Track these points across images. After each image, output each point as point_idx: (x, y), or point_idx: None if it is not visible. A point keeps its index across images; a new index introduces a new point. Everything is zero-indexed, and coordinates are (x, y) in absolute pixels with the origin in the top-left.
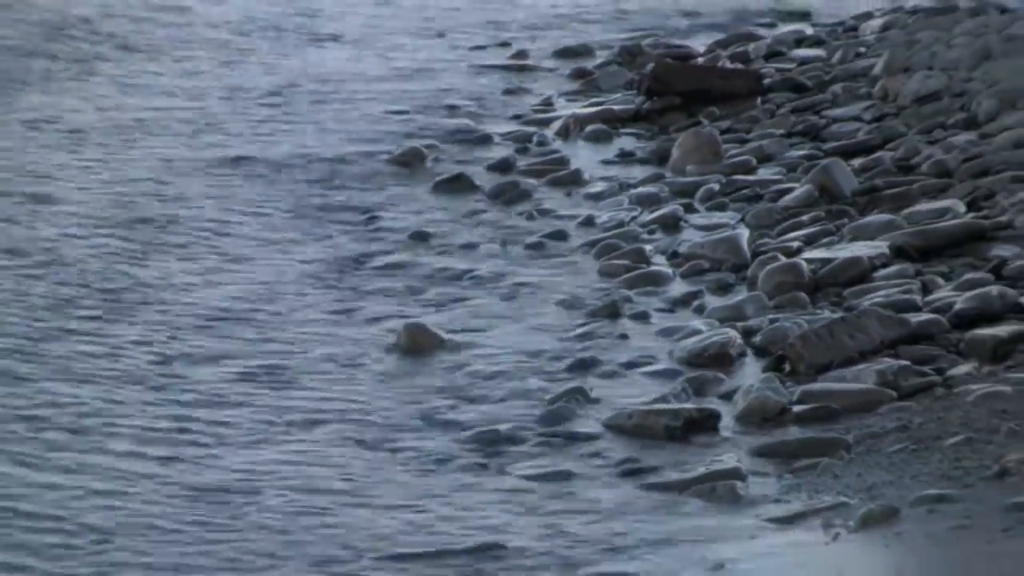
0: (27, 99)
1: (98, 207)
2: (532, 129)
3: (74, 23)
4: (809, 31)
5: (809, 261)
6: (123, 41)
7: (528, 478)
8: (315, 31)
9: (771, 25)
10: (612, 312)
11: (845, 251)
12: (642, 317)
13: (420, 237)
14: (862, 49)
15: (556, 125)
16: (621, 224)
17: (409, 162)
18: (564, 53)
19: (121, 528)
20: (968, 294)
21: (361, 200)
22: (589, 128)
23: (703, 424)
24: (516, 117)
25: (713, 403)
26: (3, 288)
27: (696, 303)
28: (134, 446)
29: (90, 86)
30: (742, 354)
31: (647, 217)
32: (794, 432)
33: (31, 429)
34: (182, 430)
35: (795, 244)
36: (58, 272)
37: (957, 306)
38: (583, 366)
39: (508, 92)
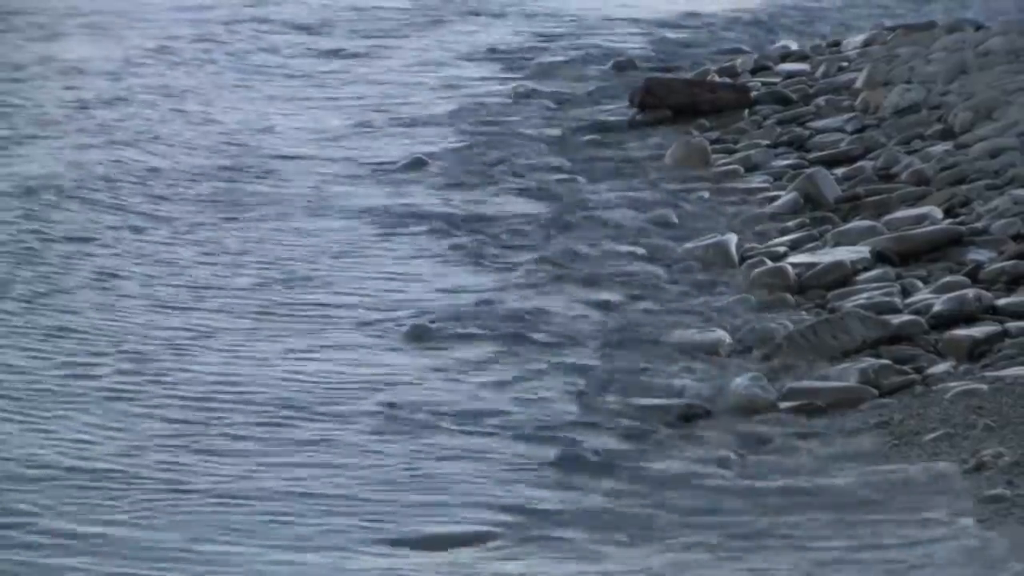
0: None
1: None
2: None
3: None
4: (794, 47)
5: (794, 265)
6: None
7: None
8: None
9: None
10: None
11: (829, 256)
12: (637, 316)
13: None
14: (844, 64)
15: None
16: (618, 227)
17: (415, 167)
18: (562, 65)
19: None
20: (946, 296)
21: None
22: (585, 138)
23: (694, 419)
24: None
25: (703, 399)
26: None
27: (688, 304)
28: None
29: None
30: (731, 353)
31: (641, 221)
32: (781, 427)
33: None
34: None
35: (781, 249)
36: None
37: (935, 308)
38: (581, 364)
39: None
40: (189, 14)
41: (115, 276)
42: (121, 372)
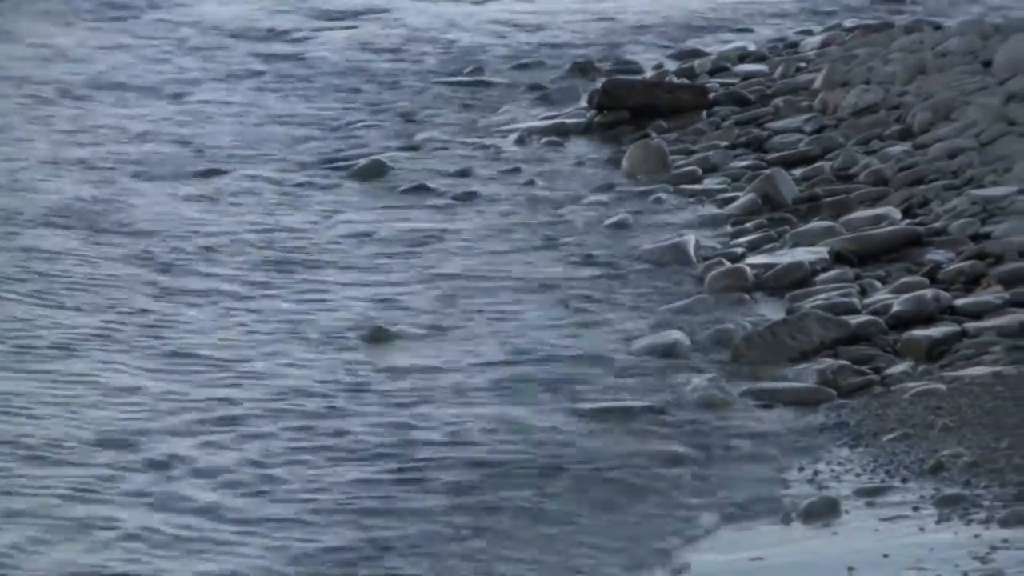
0: None
1: None
2: (490, 141)
3: None
4: (752, 47)
5: (753, 266)
6: None
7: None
8: None
9: None
10: (567, 313)
11: (787, 256)
12: (596, 318)
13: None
14: (802, 64)
15: (512, 137)
16: (576, 230)
17: (372, 173)
18: (520, 68)
19: None
20: (904, 297)
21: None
22: (543, 140)
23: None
24: (474, 129)
25: (662, 400)
26: None
27: (647, 305)
28: None
29: None
30: (689, 355)
31: (600, 224)
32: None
33: None
34: None
35: (739, 250)
36: None
37: (894, 308)
38: (541, 363)
39: (466, 106)
40: None
41: None
42: None
